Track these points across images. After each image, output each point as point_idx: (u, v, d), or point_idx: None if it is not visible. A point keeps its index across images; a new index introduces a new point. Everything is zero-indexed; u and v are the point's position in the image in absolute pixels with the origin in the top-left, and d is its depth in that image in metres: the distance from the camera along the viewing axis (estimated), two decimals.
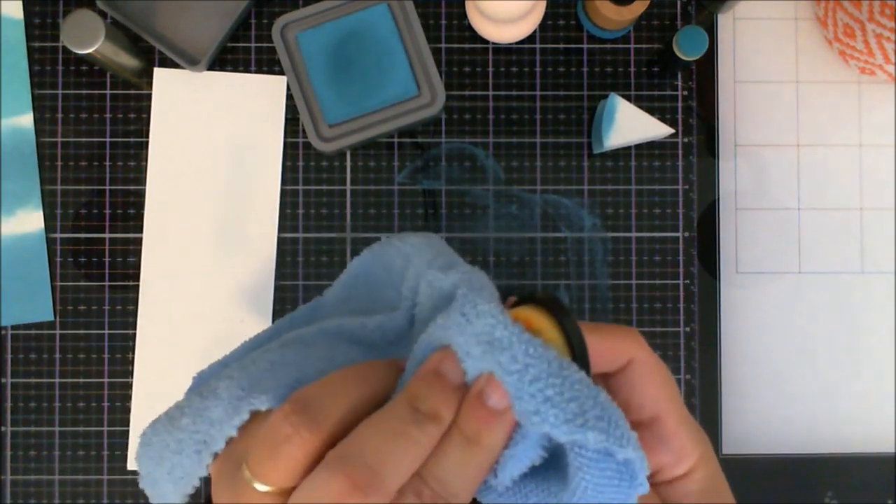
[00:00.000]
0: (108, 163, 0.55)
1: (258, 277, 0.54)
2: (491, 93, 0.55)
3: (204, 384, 0.32)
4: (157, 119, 0.54)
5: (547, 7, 0.54)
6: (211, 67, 0.54)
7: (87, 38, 0.49)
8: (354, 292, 0.37)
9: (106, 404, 0.54)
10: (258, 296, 0.54)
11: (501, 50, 0.55)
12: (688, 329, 0.55)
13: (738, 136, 0.56)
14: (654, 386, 0.35)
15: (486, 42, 0.55)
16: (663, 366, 0.36)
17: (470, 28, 0.55)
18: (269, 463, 0.28)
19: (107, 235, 0.54)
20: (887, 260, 0.56)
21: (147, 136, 0.54)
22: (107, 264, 0.54)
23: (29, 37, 0.55)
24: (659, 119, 0.54)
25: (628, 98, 0.55)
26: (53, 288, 0.54)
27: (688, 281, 0.55)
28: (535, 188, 0.55)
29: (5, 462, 0.54)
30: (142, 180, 0.54)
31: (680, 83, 0.55)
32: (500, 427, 0.30)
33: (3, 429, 0.54)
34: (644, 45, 0.55)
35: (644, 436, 0.35)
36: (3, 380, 0.54)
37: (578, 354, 0.31)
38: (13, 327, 0.54)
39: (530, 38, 0.55)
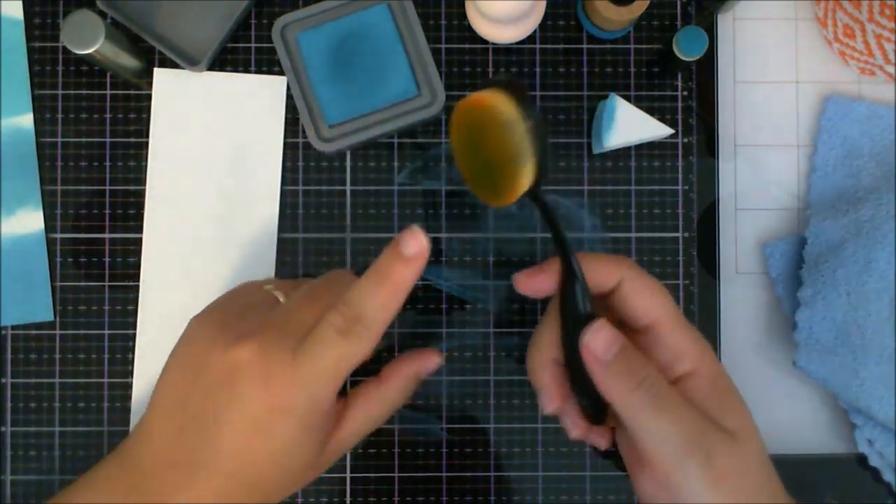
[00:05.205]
0: (108, 163, 0.55)
1: (258, 277, 0.54)
2: None
3: None
4: (157, 119, 0.54)
5: (547, 7, 0.54)
6: (211, 67, 0.54)
7: (87, 38, 0.49)
8: None
9: (106, 404, 0.54)
10: None
11: (501, 50, 0.55)
12: None
13: (738, 136, 0.56)
14: (645, 298, 0.40)
15: (486, 42, 0.55)
16: (654, 281, 0.41)
17: (470, 28, 0.55)
18: None
19: (107, 235, 0.54)
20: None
21: (147, 136, 0.54)
22: (107, 264, 0.54)
23: (29, 37, 0.55)
24: (659, 119, 0.54)
25: (628, 98, 0.55)
26: (53, 288, 0.54)
27: (688, 281, 0.55)
28: None
29: (5, 462, 0.54)
30: (142, 180, 0.54)
31: (680, 83, 0.55)
32: (408, 268, 0.38)
33: (3, 429, 0.54)
34: (644, 45, 0.55)
35: (642, 340, 0.41)
36: (3, 380, 0.54)
37: (532, 125, 0.38)
38: (13, 327, 0.54)
39: (530, 38, 0.55)
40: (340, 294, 0.39)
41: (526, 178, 0.39)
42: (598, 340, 0.38)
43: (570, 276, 0.39)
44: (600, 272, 0.40)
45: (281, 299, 0.43)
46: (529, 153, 0.38)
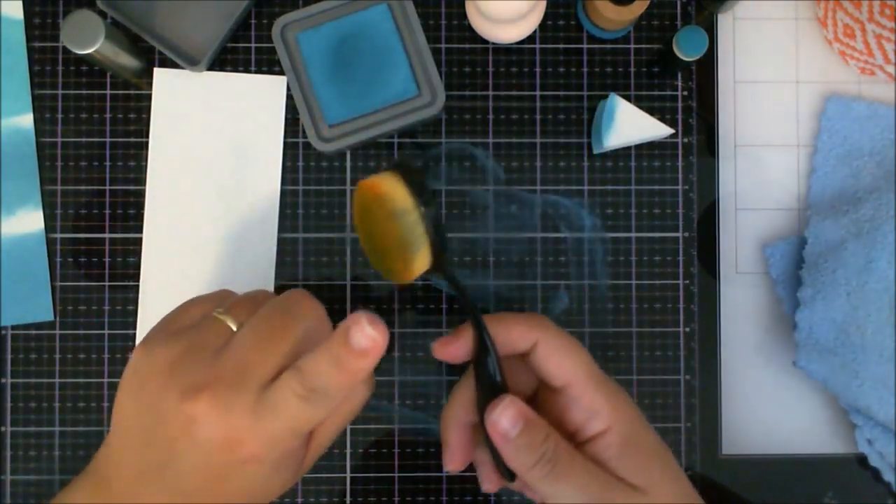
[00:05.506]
0: (108, 163, 0.55)
1: (258, 278, 0.54)
2: (491, 93, 0.55)
3: None
4: (157, 119, 0.54)
5: (547, 7, 0.54)
6: (211, 67, 0.54)
7: (87, 38, 0.49)
8: None
9: (106, 404, 0.54)
10: None
11: (501, 50, 0.55)
12: (688, 329, 0.55)
13: (738, 136, 0.56)
14: (558, 359, 0.41)
15: (486, 42, 0.55)
16: (569, 342, 0.42)
17: (470, 28, 0.55)
18: None
19: (107, 235, 0.54)
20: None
21: (147, 136, 0.54)
22: (107, 264, 0.54)
23: (29, 37, 0.55)
24: (659, 119, 0.54)
25: (628, 98, 0.55)
26: (53, 288, 0.54)
27: (688, 281, 0.55)
28: (535, 188, 0.55)
29: (5, 462, 0.54)
30: (142, 180, 0.54)
31: (680, 83, 0.55)
32: (362, 360, 0.36)
33: (3, 429, 0.54)
34: (644, 45, 0.55)
35: (559, 399, 0.42)
36: (3, 380, 0.54)
37: (424, 211, 0.39)
38: (13, 327, 0.54)
39: (530, 38, 0.55)
40: (300, 347, 0.38)
41: (420, 262, 0.39)
42: (504, 419, 0.39)
43: (482, 349, 0.40)
44: (513, 335, 0.41)
45: (233, 328, 0.40)
46: (422, 239, 0.39)
